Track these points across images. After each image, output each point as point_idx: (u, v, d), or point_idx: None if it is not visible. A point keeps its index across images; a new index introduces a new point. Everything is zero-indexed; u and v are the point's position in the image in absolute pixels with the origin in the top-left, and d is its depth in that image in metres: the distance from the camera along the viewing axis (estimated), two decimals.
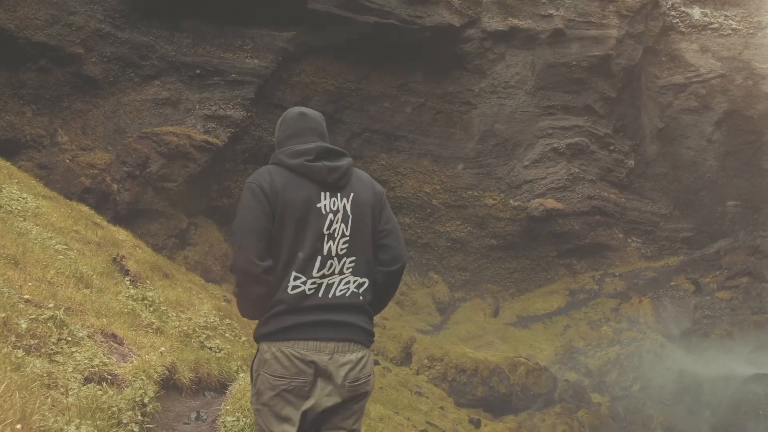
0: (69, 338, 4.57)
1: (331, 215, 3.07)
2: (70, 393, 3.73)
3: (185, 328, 7.02)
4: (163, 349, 5.44)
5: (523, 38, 32.35)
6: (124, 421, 3.80)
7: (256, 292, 3.04)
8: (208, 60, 26.97)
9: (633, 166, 34.74)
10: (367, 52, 30.06)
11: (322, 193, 3.09)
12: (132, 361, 4.82)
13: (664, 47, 35.73)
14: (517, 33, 32.22)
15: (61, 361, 4.26)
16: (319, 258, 3.07)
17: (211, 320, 8.23)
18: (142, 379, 4.50)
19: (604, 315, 30.77)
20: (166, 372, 5.08)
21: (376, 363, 21.92)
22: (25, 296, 4.86)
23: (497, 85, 32.83)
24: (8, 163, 13.67)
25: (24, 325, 4.19)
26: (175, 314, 7.26)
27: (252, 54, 27.46)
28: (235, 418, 4.57)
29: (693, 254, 34.18)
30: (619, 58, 32.89)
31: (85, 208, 13.33)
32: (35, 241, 6.73)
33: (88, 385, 3.94)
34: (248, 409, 4.72)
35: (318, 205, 3.06)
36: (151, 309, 6.86)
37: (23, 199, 8.54)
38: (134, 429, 3.83)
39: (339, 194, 3.11)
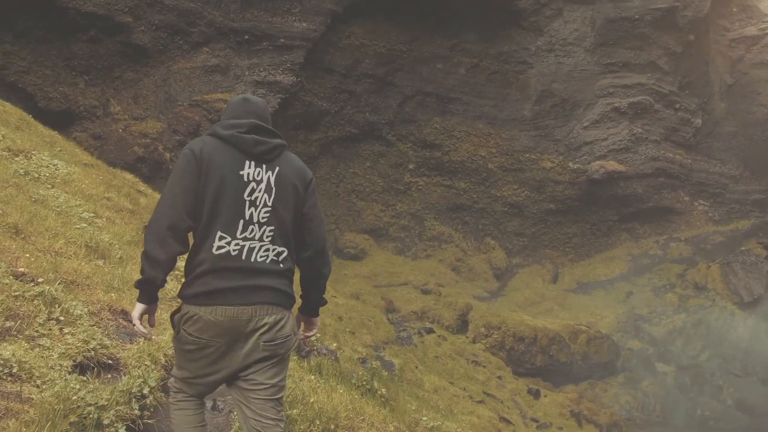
0: (62, 317, 4.06)
1: (253, 183, 3.24)
2: (46, 386, 3.24)
3: None
4: None
5: None
6: (106, 422, 3.25)
7: (175, 251, 3.18)
8: (256, 25, 26.53)
9: (700, 125, 32.98)
10: (418, 12, 29.09)
11: (247, 162, 3.26)
12: (139, 342, 4.34)
13: None
14: None
15: (46, 345, 3.75)
16: (241, 221, 3.21)
17: None
18: (146, 365, 3.99)
19: (669, 281, 29.53)
20: None
21: (431, 332, 21.46)
22: (20, 269, 4.40)
23: (554, 42, 31.46)
24: (53, 132, 13.48)
25: None
26: None
27: (300, 17, 26.87)
28: None
29: (765, 217, 32.42)
30: (685, 10, 31.00)
31: (129, 176, 13.07)
32: (53, 209, 6.33)
33: (71, 375, 3.40)
34: None
35: (241, 173, 3.23)
36: (181, 280, 6.37)
37: (53, 165, 8.20)
38: (119, 431, 3.28)
39: (264, 166, 3.29)
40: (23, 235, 5.17)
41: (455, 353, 20.48)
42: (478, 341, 22.22)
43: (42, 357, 3.62)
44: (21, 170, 7.43)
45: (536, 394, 19.53)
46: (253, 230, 3.22)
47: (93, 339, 4.00)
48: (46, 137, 11.82)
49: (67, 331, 3.97)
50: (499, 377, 20.01)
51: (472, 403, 15.31)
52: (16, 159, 7.95)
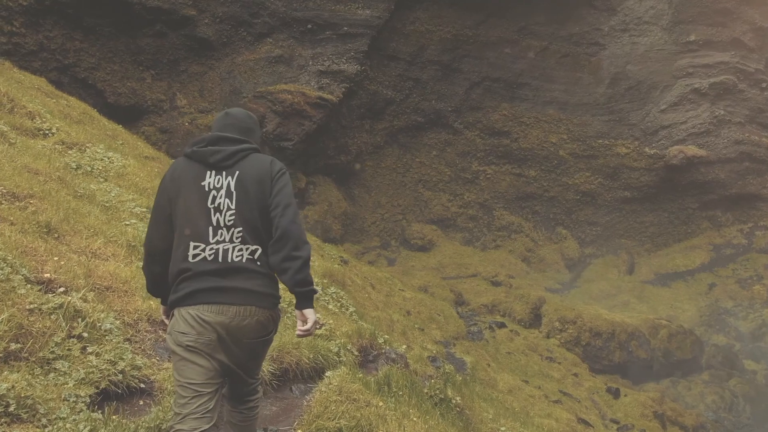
0: (85, 333, 3.49)
1: (214, 191, 3.46)
2: (51, 427, 2.66)
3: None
4: None
5: None
6: None
7: (155, 270, 3.53)
8: (318, 14, 26.13)
9: None
10: None
11: (208, 172, 3.50)
12: None
13: None
14: None
15: (63, 369, 3.19)
16: (210, 228, 3.42)
17: None
18: None
19: (755, 272, 27.81)
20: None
21: (503, 326, 20.68)
22: (46, 275, 3.88)
23: (629, 21, 29.97)
24: (117, 126, 13.32)
25: None
26: None
27: (363, 4, 26.32)
28: None
29: None
30: None
31: None
32: (100, 204, 5.90)
33: (84, 413, 2.81)
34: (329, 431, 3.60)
35: (202, 183, 3.47)
36: None
37: (107, 158, 7.85)
38: None
39: (224, 173, 3.50)
40: (56, 235, 4.71)
41: (528, 349, 19.64)
42: (552, 336, 21.29)
43: (55, 386, 3.07)
44: (73, 163, 7.09)
45: (615, 394, 18.49)
46: (222, 234, 3.40)
47: (122, 359, 3.47)
48: (108, 131, 11.61)
49: (90, 351, 3.45)
50: (575, 374, 19.06)
51: (549, 404, 14.51)
52: (69, 152, 7.63)
